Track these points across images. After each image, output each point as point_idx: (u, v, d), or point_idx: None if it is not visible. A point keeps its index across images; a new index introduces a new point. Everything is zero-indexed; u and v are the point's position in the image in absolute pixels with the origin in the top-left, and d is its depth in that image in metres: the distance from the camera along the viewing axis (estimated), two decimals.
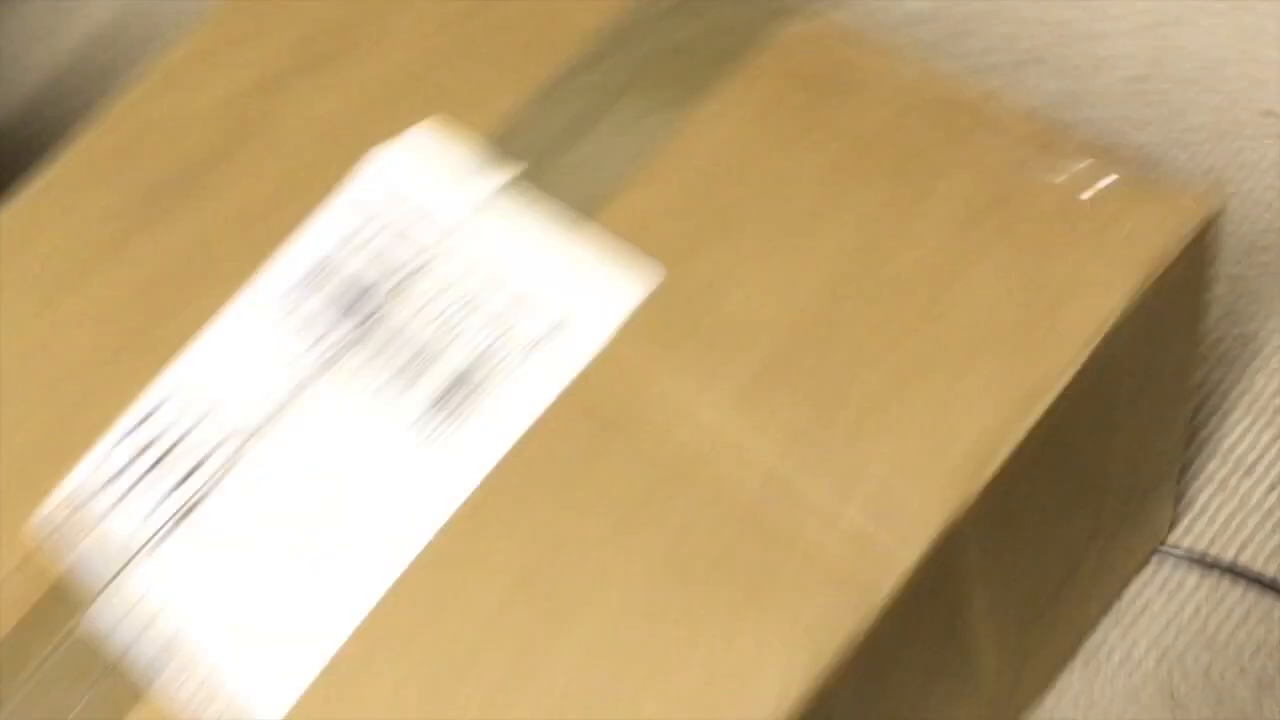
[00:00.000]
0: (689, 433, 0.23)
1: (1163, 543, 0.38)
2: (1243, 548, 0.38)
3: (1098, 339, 0.21)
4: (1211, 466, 0.39)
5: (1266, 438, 0.39)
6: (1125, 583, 0.37)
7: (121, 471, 0.25)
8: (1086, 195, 0.22)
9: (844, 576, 0.21)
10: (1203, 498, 0.39)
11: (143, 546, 0.24)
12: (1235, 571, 0.37)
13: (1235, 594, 0.37)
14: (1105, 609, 0.37)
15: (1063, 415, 0.21)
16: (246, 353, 0.25)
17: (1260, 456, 0.39)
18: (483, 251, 0.25)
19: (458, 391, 0.23)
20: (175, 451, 0.25)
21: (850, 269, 0.23)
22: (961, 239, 0.22)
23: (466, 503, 0.23)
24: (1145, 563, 0.38)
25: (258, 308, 0.26)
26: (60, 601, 0.24)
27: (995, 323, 0.22)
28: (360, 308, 0.25)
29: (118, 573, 0.24)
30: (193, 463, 0.24)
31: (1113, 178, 0.22)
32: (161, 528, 0.24)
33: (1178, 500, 0.38)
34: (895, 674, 0.23)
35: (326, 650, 0.22)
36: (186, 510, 0.24)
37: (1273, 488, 0.38)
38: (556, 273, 0.24)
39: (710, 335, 0.23)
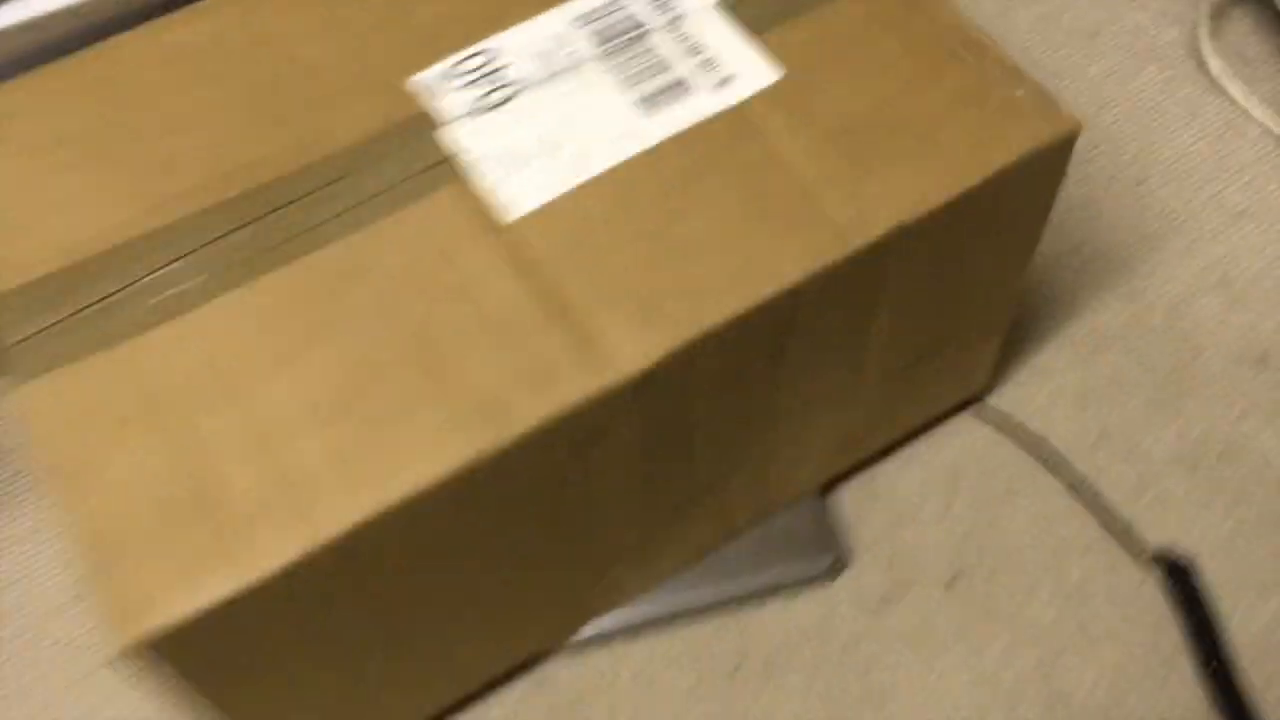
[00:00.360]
0: (774, 156, 0.42)
1: (978, 400, 0.59)
2: (1026, 419, 0.59)
3: (996, 167, 0.41)
4: (1018, 370, 0.60)
5: (1061, 360, 0.60)
6: (945, 407, 0.57)
7: (461, 76, 0.43)
8: (1014, 103, 0.42)
9: (822, 239, 0.40)
10: (1008, 385, 0.60)
11: (466, 115, 0.43)
12: (1012, 429, 0.58)
13: (1009, 446, 0.58)
14: (930, 417, 0.57)
15: (965, 206, 0.41)
16: (547, 39, 0.44)
17: (1055, 369, 0.60)
18: (695, 31, 0.44)
19: (670, 92, 0.43)
20: (495, 74, 0.43)
21: (890, 98, 0.43)
22: (949, 105, 0.42)
23: (654, 146, 0.42)
24: (961, 411, 0.59)
25: (558, 20, 0.44)
26: (416, 125, 0.42)
27: (952, 144, 0.41)
28: (625, 33, 0.44)
29: (446, 123, 0.42)
30: (502, 83, 0.43)
31: (1034, 97, 0.42)
32: (478, 109, 0.43)
33: (993, 380, 0.59)
34: (830, 316, 0.43)
35: (561, 184, 0.41)
36: (494, 105, 0.43)
37: (1056, 393, 0.59)
38: (732, 53, 0.44)
39: (805, 110, 0.43)
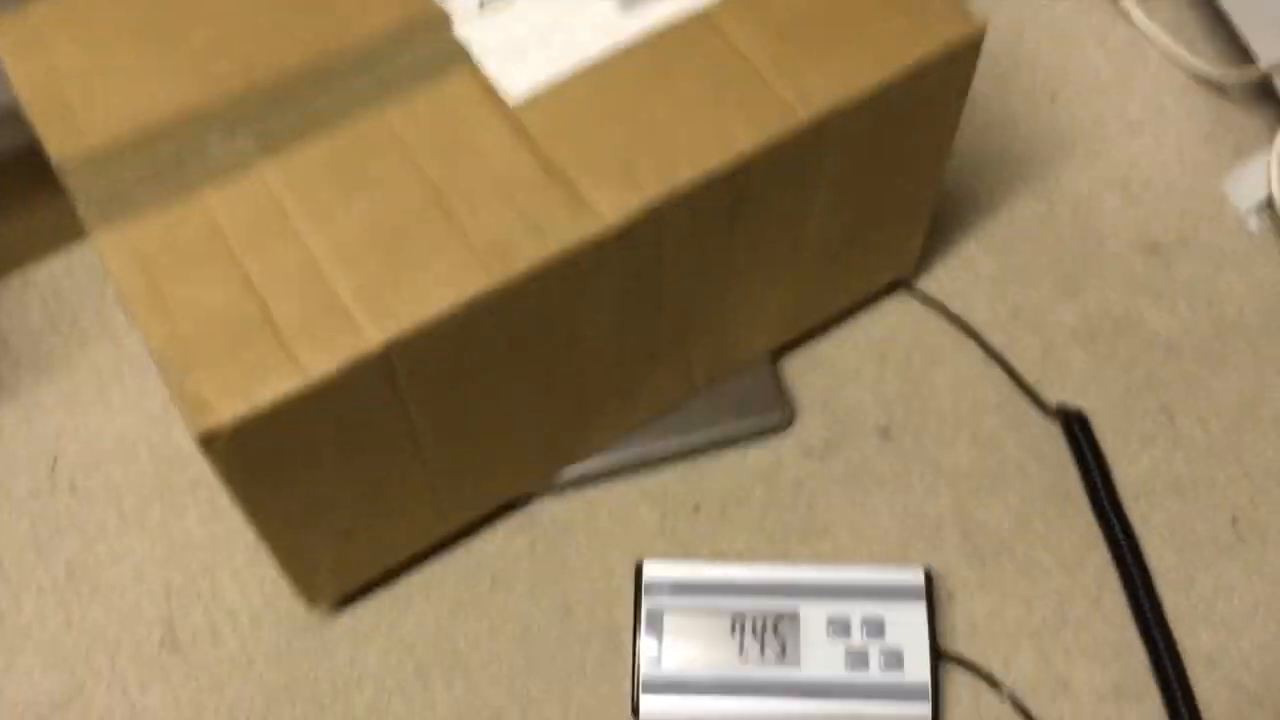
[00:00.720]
0: (732, 49, 0.50)
1: (908, 283, 0.67)
2: (950, 299, 0.67)
3: (917, 58, 0.49)
4: (944, 258, 0.69)
5: (981, 249, 0.69)
6: (879, 286, 0.66)
7: None
8: (933, 7, 0.51)
9: (770, 115, 0.49)
10: (935, 270, 0.68)
11: (475, 12, 0.50)
12: (937, 307, 0.67)
13: (934, 321, 0.67)
14: (866, 294, 0.66)
15: (891, 91, 0.50)
16: None
17: (975, 257, 0.69)
18: None
19: None
20: None
21: (829, 2, 0.51)
22: (879, 8, 0.50)
23: (631, 41, 0.50)
24: (892, 292, 0.67)
25: None
26: (432, 20, 0.50)
27: (880, 40, 0.50)
28: None
29: (458, 19, 0.50)
30: None
31: (949, 3, 0.51)
32: (485, 8, 0.50)
33: (921, 264, 0.68)
34: (777, 186, 0.51)
35: (554, 72, 0.49)
36: (499, 5, 0.50)
37: (976, 277, 0.68)
38: None
39: (758, 12, 0.51)
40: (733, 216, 0.51)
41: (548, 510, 0.62)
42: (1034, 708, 0.57)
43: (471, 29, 0.50)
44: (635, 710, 0.56)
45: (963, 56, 0.51)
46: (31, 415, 0.65)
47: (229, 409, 0.43)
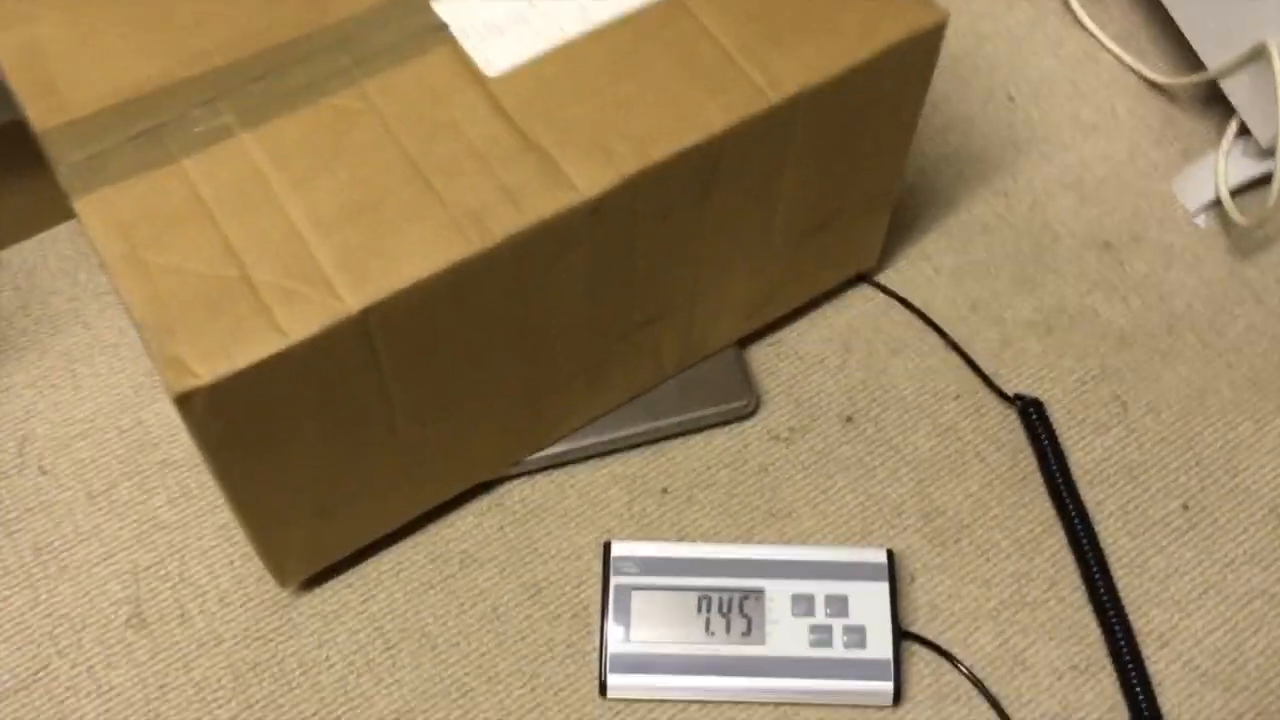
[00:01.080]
0: (703, 32, 0.52)
1: (870, 276, 0.69)
2: (911, 292, 0.69)
3: (882, 45, 0.51)
4: (906, 253, 0.71)
5: (941, 245, 0.71)
6: (843, 277, 0.68)
7: None
8: None
9: (741, 96, 0.50)
10: (897, 264, 0.70)
11: None
12: (899, 299, 0.69)
13: (896, 312, 0.69)
14: (830, 285, 0.67)
15: (857, 76, 0.51)
16: None
17: (935, 253, 0.71)
18: None
19: None
20: None
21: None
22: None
23: (605, 22, 0.51)
24: (856, 284, 0.69)
25: None
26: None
27: (848, 26, 0.51)
28: None
29: (436, 2, 0.51)
30: None
31: None
32: None
33: (883, 258, 0.69)
34: (746, 167, 0.53)
35: (530, 50, 0.50)
36: None
37: (936, 271, 0.70)
38: None
39: (732, 8, 0.52)
40: (704, 195, 0.52)
41: (517, 492, 0.63)
42: (992, 685, 0.58)
43: (451, 8, 0.51)
44: (603, 688, 0.57)
45: (925, 43, 0.53)
46: (1, 396, 0.65)
47: (208, 370, 0.44)
